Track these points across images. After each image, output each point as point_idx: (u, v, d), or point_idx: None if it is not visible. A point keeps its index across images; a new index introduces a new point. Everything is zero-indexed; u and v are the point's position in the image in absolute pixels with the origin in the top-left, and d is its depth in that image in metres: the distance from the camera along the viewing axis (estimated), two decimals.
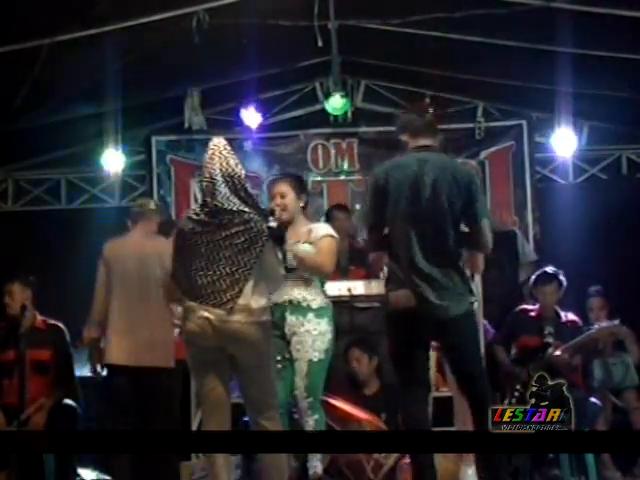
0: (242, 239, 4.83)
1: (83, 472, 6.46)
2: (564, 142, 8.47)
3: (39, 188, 9.14)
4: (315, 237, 5.55)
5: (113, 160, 8.48)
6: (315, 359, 5.46)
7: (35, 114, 7.37)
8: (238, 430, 5.47)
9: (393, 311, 4.97)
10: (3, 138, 7.62)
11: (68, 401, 6.41)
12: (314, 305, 5.53)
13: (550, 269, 6.81)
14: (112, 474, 6.57)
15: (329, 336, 5.54)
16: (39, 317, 6.55)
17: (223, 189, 4.88)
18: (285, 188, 5.61)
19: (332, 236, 5.61)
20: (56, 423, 6.22)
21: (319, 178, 8.81)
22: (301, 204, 5.64)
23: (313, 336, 5.47)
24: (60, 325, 6.59)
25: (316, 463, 5.52)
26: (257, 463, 5.16)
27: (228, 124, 8.69)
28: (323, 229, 5.66)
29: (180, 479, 6.34)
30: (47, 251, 8.37)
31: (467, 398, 5.02)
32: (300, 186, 5.71)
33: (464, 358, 5.01)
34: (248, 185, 4.97)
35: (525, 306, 6.87)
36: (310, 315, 5.50)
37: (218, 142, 5.01)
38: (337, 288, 6.81)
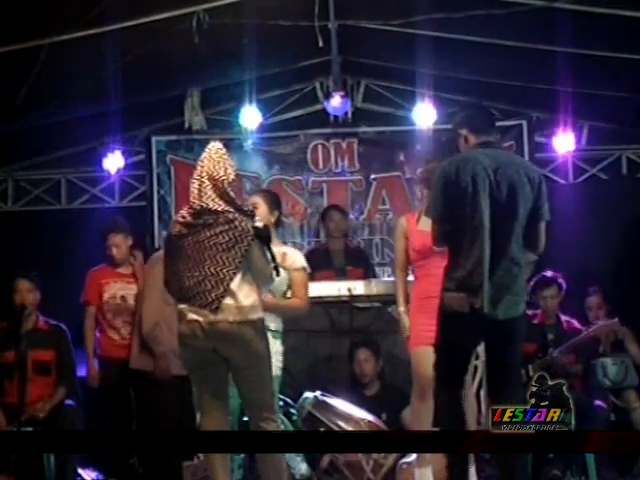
0: (226, 238, 4.88)
1: (83, 472, 6.45)
2: (564, 142, 8.47)
3: (39, 188, 9.13)
4: (291, 265, 5.63)
5: (113, 160, 8.48)
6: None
7: (35, 114, 7.36)
8: (236, 431, 5.48)
9: (446, 312, 4.95)
10: (3, 138, 7.61)
11: (70, 401, 6.42)
12: (272, 327, 5.53)
13: (549, 273, 6.80)
14: (114, 474, 6.60)
15: (281, 357, 5.61)
16: (41, 318, 6.55)
17: (209, 191, 4.98)
18: (257, 199, 5.68)
19: (305, 269, 5.70)
20: (58, 423, 6.23)
21: (319, 178, 8.81)
22: (272, 219, 5.63)
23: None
24: (62, 326, 6.61)
25: (299, 465, 5.55)
26: (258, 463, 5.15)
27: (228, 124, 8.69)
28: (299, 259, 5.72)
29: (182, 479, 6.36)
30: (47, 251, 8.36)
31: (497, 398, 4.99)
32: (274, 201, 5.75)
33: (509, 359, 4.99)
34: (230, 190, 5.01)
35: (526, 312, 6.84)
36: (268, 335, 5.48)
37: (212, 146, 5.13)
38: (337, 288, 6.83)
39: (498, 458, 5.11)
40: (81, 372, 6.81)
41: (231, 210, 4.93)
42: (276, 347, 5.52)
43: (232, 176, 5.05)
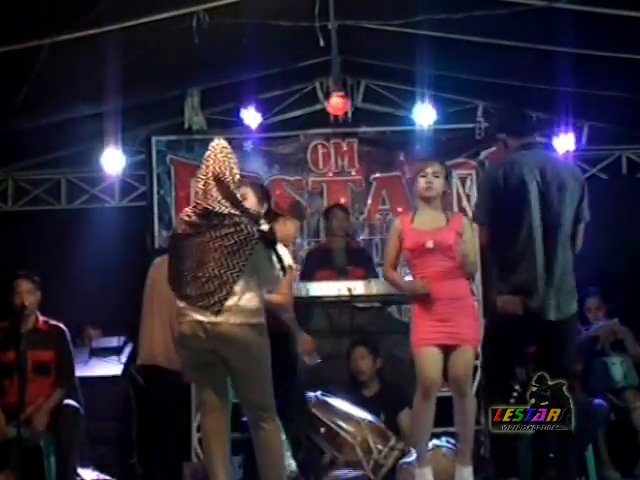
0: (232, 241, 4.85)
1: (83, 472, 6.46)
2: (564, 142, 8.47)
3: (39, 188, 9.12)
4: None
5: (113, 160, 8.47)
6: None
7: (35, 114, 7.36)
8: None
9: (500, 315, 4.93)
10: (3, 138, 7.61)
11: (70, 401, 6.41)
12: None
13: None
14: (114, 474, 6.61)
15: None
16: (41, 318, 6.55)
17: (215, 192, 4.93)
18: (246, 190, 5.54)
19: (291, 268, 5.67)
20: (58, 423, 6.23)
21: (319, 178, 8.81)
22: (262, 211, 5.53)
23: None
24: (62, 326, 6.59)
25: (289, 461, 5.53)
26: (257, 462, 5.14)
27: (228, 124, 8.69)
28: (285, 257, 5.52)
29: (183, 479, 6.36)
30: (47, 251, 8.36)
31: None
32: (262, 193, 5.69)
33: (564, 359, 5.00)
34: (237, 191, 4.98)
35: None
36: None
37: (216, 144, 5.06)
38: (337, 288, 6.83)
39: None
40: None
41: (237, 213, 4.90)
42: None
43: (237, 176, 5.03)
